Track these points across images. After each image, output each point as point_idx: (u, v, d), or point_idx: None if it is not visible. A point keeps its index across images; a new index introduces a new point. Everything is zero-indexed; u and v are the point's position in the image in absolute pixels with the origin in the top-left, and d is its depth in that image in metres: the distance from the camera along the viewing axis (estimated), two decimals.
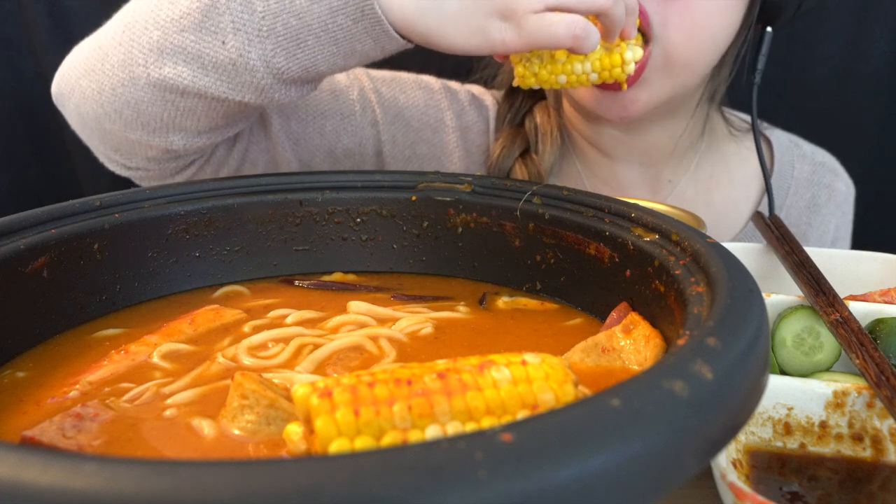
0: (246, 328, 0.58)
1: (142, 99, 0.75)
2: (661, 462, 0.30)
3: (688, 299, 0.44)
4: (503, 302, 0.63)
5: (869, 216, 1.23)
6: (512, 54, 0.77)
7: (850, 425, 0.55)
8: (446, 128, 1.04)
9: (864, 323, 0.62)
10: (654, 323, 0.52)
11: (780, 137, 1.13)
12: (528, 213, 0.64)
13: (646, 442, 0.30)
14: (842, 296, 0.65)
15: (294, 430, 0.39)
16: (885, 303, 0.67)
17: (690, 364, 0.34)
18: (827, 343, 0.62)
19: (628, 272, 0.55)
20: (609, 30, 0.75)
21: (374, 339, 0.56)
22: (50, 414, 0.45)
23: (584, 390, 0.41)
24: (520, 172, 1.00)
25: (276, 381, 0.49)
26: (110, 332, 0.58)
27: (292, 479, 0.26)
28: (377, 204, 0.69)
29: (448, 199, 0.68)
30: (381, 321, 0.59)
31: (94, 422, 0.45)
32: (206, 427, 0.44)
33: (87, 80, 0.78)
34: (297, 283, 0.67)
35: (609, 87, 0.84)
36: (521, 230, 0.65)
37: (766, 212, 0.91)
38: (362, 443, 0.35)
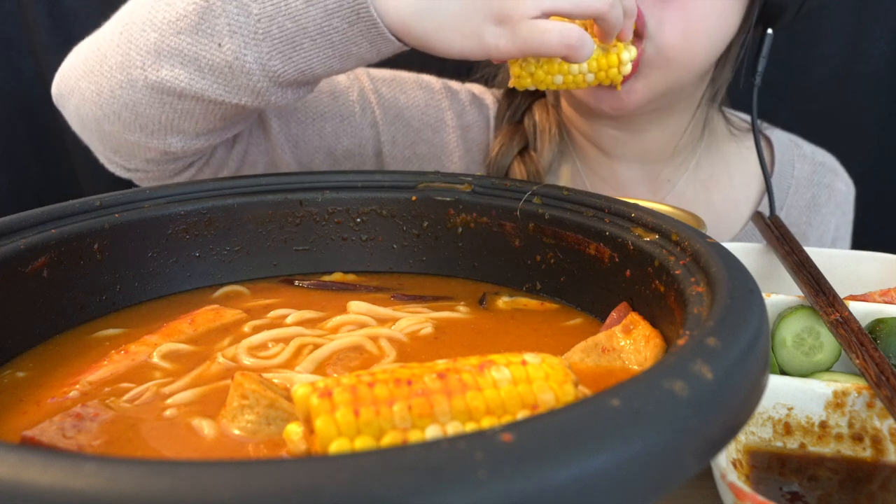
0: (246, 328, 0.58)
1: (139, 101, 0.75)
2: (661, 462, 0.30)
3: (688, 299, 0.44)
4: (503, 302, 0.63)
5: (869, 216, 1.23)
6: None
7: (850, 425, 0.55)
8: (447, 127, 1.04)
9: (864, 323, 0.62)
10: (654, 323, 0.52)
11: (780, 137, 1.13)
12: (528, 213, 0.64)
13: (646, 442, 0.30)
14: (842, 296, 0.65)
15: (294, 430, 0.39)
16: (885, 303, 0.67)
17: (690, 364, 0.34)
18: (827, 343, 0.62)
19: (628, 272, 0.55)
20: (606, 32, 0.74)
21: (374, 339, 0.56)
22: (50, 414, 0.45)
23: (584, 390, 0.41)
24: (518, 170, 1.00)
25: (276, 381, 0.49)
26: (110, 332, 0.58)
27: (292, 479, 0.26)
28: (377, 204, 0.69)
29: (448, 199, 0.68)
30: (381, 321, 0.59)
31: (94, 422, 0.45)
32: (206, 427, 0.44)
33: (86, 82, 0.78)
34: (297, 283, 0.67)
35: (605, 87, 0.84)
36: (521, 230, 0.65)
37: (766, 212, 0.91)
38: (362, 443, 0.35)
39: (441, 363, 0.39)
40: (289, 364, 0.53)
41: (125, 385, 0.50)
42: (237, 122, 0.82)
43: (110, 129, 0.79)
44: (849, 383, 0.55)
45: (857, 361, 0.57)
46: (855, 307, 0.63)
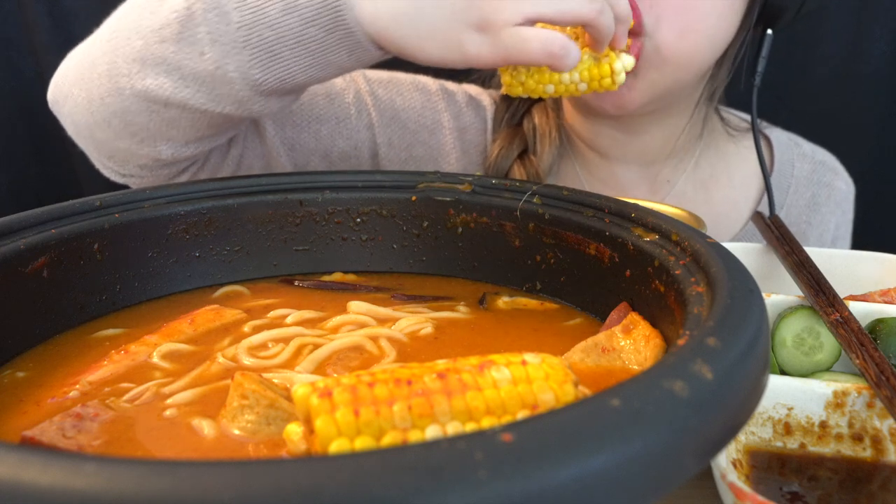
0: (246, 328, 0.58)
1: (128, 109, 0.75)
2: (661, 462, 0.30)
3: (688, 299, 0.44)
4: (503, 302, 0.63)
5: (869, 216, 1.23)
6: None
7: (850, 425, 0.55)
8: (443, 129, 1.04)
9: (864, 323, 0.62)
10: (654, 323, 0.52)
11: (779, 136, 1.13)
12: (528, 213, 0.64)
13: (646, 442, 0.30)
14: (842, 296, 0.65)
15: (294, 430, 0.39)
16: (885, 303, 0.67)
17: (690, 364, 0.34)
18: (827, 343, 0.62)
19: (628, 272, 0.55)
20: (597, 40, 0.71)
21: (374, 339, 0.56)
22: (50, 414, 0.45)
23: (584, 390, 0.41)
24: (518, 173, 1.00)
25: (276, 381, 0.49)
26: (110, 332, 0.58)
27: (292, 479, 0.26)
28: (377, 204, 0.69)
29: (448, 199, 0.68)
30: (381, 321, 0.59)
31: (94, 422, 0.45)
32: (206, 427, 0.44)
33: (78, 89, 0.78)
34: (297, 283, 0.67)
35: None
36: (521, 230, 0.65)
37: (766, 211, 0.91)
38: (362, 443, 0.35)
39: (441, 363, 0.39)
40: (289, 364, 0.53)
41: (125, 385, 0.50)
42: (226, 130, 0.82)
43: (102, 136, 0.79)
44: (849, 383, 0.55)
45: (857, 361, 0.57)
46: (855, 307, 0.63)
